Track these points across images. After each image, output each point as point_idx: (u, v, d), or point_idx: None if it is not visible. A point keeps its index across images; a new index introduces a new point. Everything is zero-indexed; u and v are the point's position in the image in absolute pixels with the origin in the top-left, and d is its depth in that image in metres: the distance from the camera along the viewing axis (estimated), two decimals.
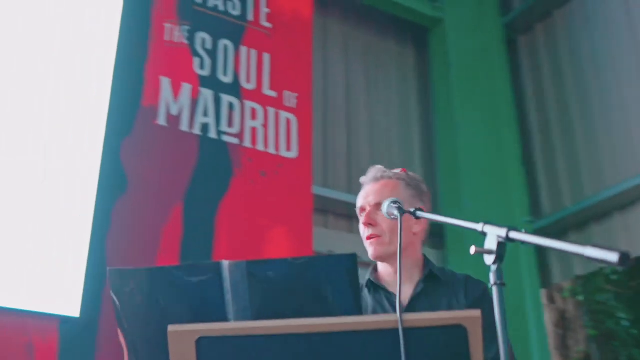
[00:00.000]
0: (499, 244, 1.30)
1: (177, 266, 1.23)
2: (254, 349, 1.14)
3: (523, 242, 1.28)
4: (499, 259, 1.29)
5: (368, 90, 5.97)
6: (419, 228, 1.95)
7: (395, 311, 1.84)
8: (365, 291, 1.92)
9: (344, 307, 1.20)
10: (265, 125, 4.36)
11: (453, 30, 6.22)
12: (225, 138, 4.17)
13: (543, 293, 6.01)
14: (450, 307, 1.85)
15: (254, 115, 4.36)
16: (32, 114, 3.60)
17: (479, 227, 1.37)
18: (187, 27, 4.35)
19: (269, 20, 4.73)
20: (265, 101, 4.45)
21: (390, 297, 1.86)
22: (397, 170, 1.97)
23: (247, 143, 4.24)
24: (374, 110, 5.91)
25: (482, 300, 1.83)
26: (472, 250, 1.32)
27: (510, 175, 5.71)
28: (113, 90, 3.88)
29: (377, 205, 1.86)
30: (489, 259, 1.29)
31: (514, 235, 1.28)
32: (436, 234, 5.52)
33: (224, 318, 1.19)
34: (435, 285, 1.88)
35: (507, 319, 1.22)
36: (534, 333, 5.14)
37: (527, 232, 1.30)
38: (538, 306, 5.34)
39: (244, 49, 4.54)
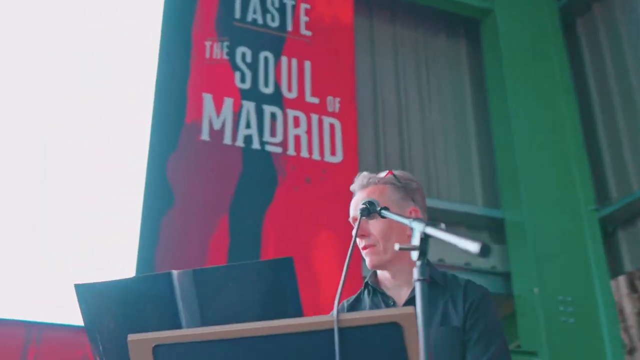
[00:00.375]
0: (422, 240, 1.29)
1: (132, 278, 1.29)
2: (205, 353, 1.19)
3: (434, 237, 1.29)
4: (422, 254, 1.29)
5: (420, 88, 5.92)
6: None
7: None
8: (365, 294, 1.94)
9: (288, 309, 1.25)
10: (308, 132, 4.42)
11: (505, 19, 6.07)
12: (269, 148, 4.26)
13: (622, 281, 5.77)
14: (445, 310, 1.84)
15: (296, 123, 4.42)
16: (75, 136, 3.80)
17: (407, 222, 1.38)
18: (226, 43, 4.47)
19: (308, 29, 4.79)
20: (307, 108, 4.51)
21: (387, 300, 1.87)
22: (383, 174, 1.96)
23: (291, 151, 4.30)
24: (427, 108, 5.85)
25: (479, 305, 1.82)
26: (396, 247, 1.31)
27: (572, 163, 5.52)
28: (155, 109, 4.03)
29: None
30: (414, 255, 1.29)
31: (428, 230, 1.29)
32: (497, 229, 5.41)
33: (178, 325, 1.25)
34: (432, 289, 1.86)
35: (429, 317, 1.20)
36: (605, 324, 4.94)
37: (442, 227, 1.29)
38: (608, 295, 5.13)
39: (284, 59, 4.62)
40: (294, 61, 4.64)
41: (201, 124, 4.15)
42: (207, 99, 4.25)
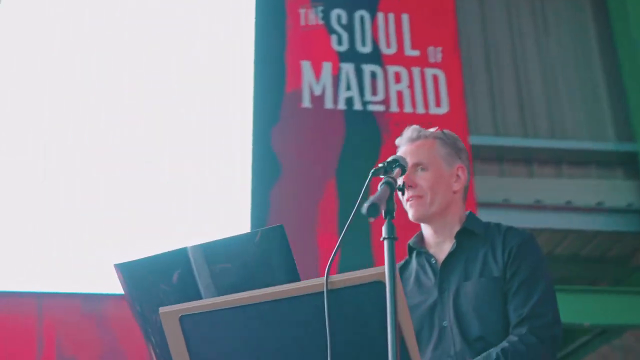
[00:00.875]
0: (388, 199, 1.29)
1: (158, 255, 1.37)
2: (221, 320, 1.28)
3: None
4: (387, 213, 1.30)
5: (535, 26, 5.60)
6: (458, 186, 1.88)
7: (433, 272, 1.81)
8: (413, 256, 1.90)
9: (285, 275, 1.29)
10: (410, 87, 4.34)
11: None
12: (371, 107, 4.23)
13: None
14: (485, 261, 1.77)
15: (398, 79, 4.35)
16: (177, 116, 3.98)
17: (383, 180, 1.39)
18: (321, 8, 4.47)
19: None
20: (408, 62, 4.42)
21: (430, 259, 1.84)
22: (433, 129, 1.91)
23: (394, 108, 4.25)
24: (544, 45, 5.52)
25: (519, 251, 1.74)
26: (364, 208, 1.28)
27: None
28: (256, 82, 4.13)
29: (415, 166, 1.82)
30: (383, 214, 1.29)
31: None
32: (631, 164, 5.04)
33: (199, 296, 1.33)
34: (472, 241, 1.81)
35: (395, 273, 1.16)
36: None
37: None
38: None
39: (380, 15, 4.54)
40: (391, 16, 4.55)
41: (301, 91, 4.20)
42: (306, 66, 4.28)
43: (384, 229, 1.25)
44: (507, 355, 1.60)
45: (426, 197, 1.80)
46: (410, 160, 1.79)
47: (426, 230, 1.88)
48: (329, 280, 1.14)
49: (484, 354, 1.62)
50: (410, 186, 1.80)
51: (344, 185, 3.98)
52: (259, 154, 3.95)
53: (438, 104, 4.32)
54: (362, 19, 4.50)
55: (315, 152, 4.06)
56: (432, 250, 1.86)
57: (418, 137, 1.87)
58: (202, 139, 3.99)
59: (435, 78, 4.39)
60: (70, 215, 3.75)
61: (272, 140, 4.02)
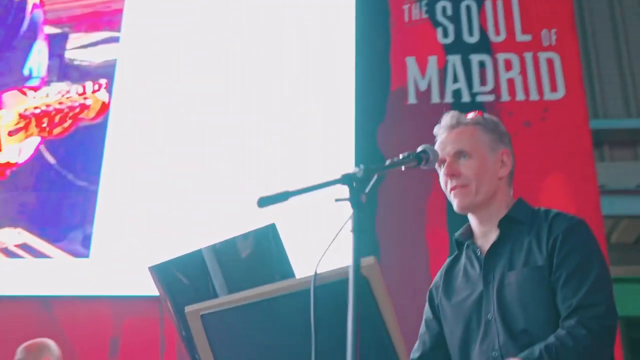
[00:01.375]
0: (350, 190, 1.28)
1: (182, 256, 1.44)
2: (233, 317, 1.34)
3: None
4: (352, 204, 1.26)
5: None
6: (504, 172, 1.79)
7: (479, 264, 1.72)
8: (463, 249, 1.83)
9: (283, 271, 1.30)
10: (522, 73, 4.15)
11: None
12: (480, 98, 4.10)
13: None
14: (529, 249, 1.66)
15: (508, 67, 4.18)
16: (279, 115, 4.08)
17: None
18: (425, 2, 4.40)
19: None
20: (519, 48, 4.23)
21: (476, 250, 1.76)
22: (472, 115, 1.83)
23: (505, 97, 4.09)
24: None
25: (566, 239, 1.61)
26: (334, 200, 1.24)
27: None
28: (358, 81, 4.14)
29: (458, 155, 1.75)
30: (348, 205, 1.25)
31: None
32: None
33: (215, 294, 1.39)
34: (517, 229, 1.71)
35: (359, 265, 1.11)
36: None
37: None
38: None
39: (488, 3, 4.39)
40: (499, 2, 4.38)
41: (407, 88, 4.16)
42: (411, 62, 4.23)
43: (350, 221, 1.21)
44: (551, 352, 1.48)
45: (471, 186, 1.72)
46: (451, 149, 1.75)
47: (472, 220, 1.81)
48: (318, 277, 1.14)
49: (527, 351, 1.51)
50: (454, 175, 1.74)
51: None
52: (363, 153, 3.95)
53: (554, 88, 4.09)
54: (468, 8, 4.38)
55: None
56: (479, 242, 1.78)
57: (458, 124, 1.80)
58: (304, 138, 4.06)
59: (549, 62, 4.17)
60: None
61: (378, 138, 4.01)
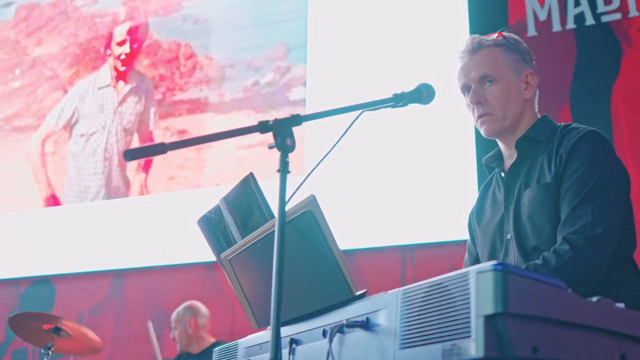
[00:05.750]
0: (274, 135, 1.31)
1: (209, 211, 1.66)
2: (246, 258, 1.54)
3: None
4: (277, 146, 1.28)
5: None
6: (529, 93, 1.75)
7: (502, 186, 1.73)
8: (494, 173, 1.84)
9: (270, 212, 1.53)
10: None
11: None
12: (605, 18, 3.88)
13: None
14: (541, 166, 1.64)
15: None
16: (399, 60, 4.13)
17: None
18: None
19: None
20: None
21: (500, 172, 1.77)
22: (494, 36, 1.76)
23: (633, 12, 3.84)
24: None
25: (573, 151, 1.59)
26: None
27: None
28: (472, 18, 4.08)
29: (482, 80, 1.72)
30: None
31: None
32: None
33: (234, 240, 1.59)
34: (535, 147, 1.69)
35: (284, 201, 1.23)
36: None
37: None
38: None
39: None
40: None
41: (526, 21, 4.04)
42: None
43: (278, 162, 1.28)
44: (531, 269, 1.49)
45: (497, 113, 1.72)
46: (475, 74, 1.73)
47: (500, 144, 1.82)
48: (284, 214, 1.24)
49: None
50: (480, 102, 1.73)
51: (580, 108, 3.76)
52: None
53: None
54: None
55: (545, 79, 3.84)
56: (506, 164, 1.79)
57: (480, 47, 1.75)
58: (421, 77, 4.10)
59: None
60: None
61: None
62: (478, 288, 0.91)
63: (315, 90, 4.59)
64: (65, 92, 5.70)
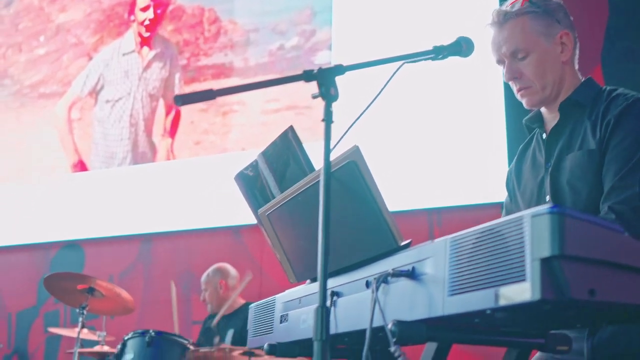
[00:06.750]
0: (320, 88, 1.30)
1: (248, 166, 1.67)
2: (286, 212, 1.54)
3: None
4: (322, 95, 1.29)
5: None
6: (566, 56, 1.69)
7: (544, 147, 1.71)
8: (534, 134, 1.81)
9: (309, 166, 1.53)
10: None
11: None
12: None
13: None
14: (585, 131, 1.60)
15: None
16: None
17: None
18: None
19: None
20: None
21: (542, 133, 1.74)
22: (518, 4, 1.68)
23: None
24: None
25: (619, 118, 1.54)
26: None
27: None
28: None
29: (514, 54, 1.68)
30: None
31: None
32: None
33: (272, 195, 1.60)
34: (579, 111, 1.65)
35: (329, 150, 1.23)
36: None
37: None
38: None
39: None
40: None
41: None
42: None
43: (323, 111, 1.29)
44: None
45: (535, 85, 1.68)
46: (506, 49, 1.69)
47: (543, 109, 1.78)
48: (329, 163, 1.26)
49: None
50: (516, 77, 1.70)
51: (611, 69, 3.70)
52: None
53: None
54: None
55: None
56: (547, 126, 1.75)
57: (505, 19, 1.69)
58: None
59: None
60: None
61: None
62: (533, 231, 0.90)
63: (340, 54, 4.56)
64: (90, 58, 5.72)
